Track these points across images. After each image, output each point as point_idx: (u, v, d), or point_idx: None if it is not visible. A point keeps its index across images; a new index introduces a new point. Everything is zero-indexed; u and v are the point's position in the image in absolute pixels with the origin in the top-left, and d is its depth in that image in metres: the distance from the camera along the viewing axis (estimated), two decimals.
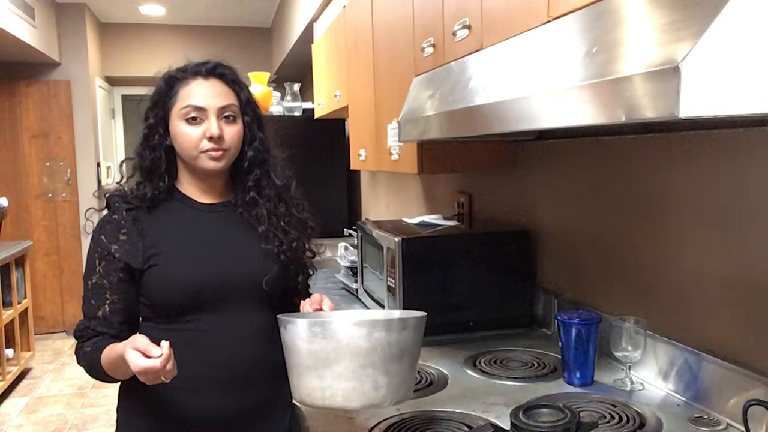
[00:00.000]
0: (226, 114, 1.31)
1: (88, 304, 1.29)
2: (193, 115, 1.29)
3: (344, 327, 1.10)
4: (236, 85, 1.35)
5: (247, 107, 1.36)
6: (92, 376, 1.27)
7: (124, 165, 1.41)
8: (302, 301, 1.34)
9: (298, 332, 1.12)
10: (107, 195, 1.35)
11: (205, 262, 1.30)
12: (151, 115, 1.33)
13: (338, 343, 1.08)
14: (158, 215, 1.32)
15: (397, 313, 1.29)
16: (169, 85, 1.32)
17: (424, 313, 1.19)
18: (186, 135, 1.29)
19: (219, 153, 1.30)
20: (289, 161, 1.45)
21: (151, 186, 1.32)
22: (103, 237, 1.29)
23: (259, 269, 1.32)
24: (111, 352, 1.21)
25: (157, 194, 1.32)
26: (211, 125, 1.28)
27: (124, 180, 1.38)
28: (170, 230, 1.31)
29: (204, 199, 1.37)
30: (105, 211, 1.34)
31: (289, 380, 1.19)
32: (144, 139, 1.34)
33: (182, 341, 1.25)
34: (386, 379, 1.10)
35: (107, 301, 1.27)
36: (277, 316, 1.21)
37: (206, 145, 1.29)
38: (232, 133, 1.32)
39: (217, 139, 1.28)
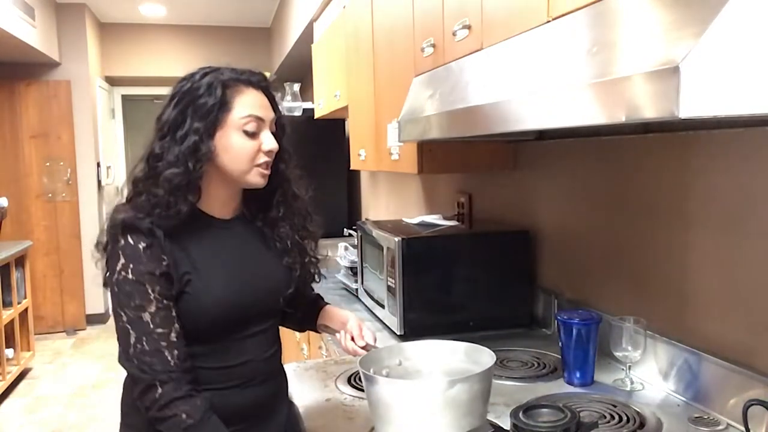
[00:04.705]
0: (273, 128, 1.28)
1: (152, 339, 1.14)
2: (253, 126, 1.22)
3: (446, 384, 1.12)
4: (274, 99, 1.31)
5: (279, 120, 1.32)
6: None
7: (139, 184, 1.22)
8: (339, 333, 1.38)
9: (398, 389, 1.17)
10: (124, 219, 1.17)
11: (234, 284, 1.26)
12: (199, 123, 1.19)
13: (445, 398, 1.11)
14: (182, 235, 1.21)
15: (462, 346, 1.30)
16: (222, 91, 1.20)
17: (492, 354, 1.23)
18: (243, 148, 1.22)
19: (269, 169, 1.26)
20: (306, 172, 1.39)
21: (185, 202, 1.19)
22: (141, 267, 1.16)
23: (281, 286, 1.33)
24: None
25: (187, 210, 1.20)
26: (269, 139, 1.24)
27: (128, 196, 1.24)
28: (195, 251, 1.23)
29: (220, 213, 1.30)
30: (129, 238, 1.16)
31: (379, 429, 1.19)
32: (192, 150, 1.18)
33: (202, 354, 1.24)
34: (477, 420, 1.16)
35: (174, 324, 1.17)
36: (365, 373, 1.18)
37: (262, 159, 1.24)
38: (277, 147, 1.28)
39: (270, 153, 1.25)
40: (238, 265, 1.29)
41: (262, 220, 1.35)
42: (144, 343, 1.15)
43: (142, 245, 1.16)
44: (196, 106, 1.19)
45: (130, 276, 1.15)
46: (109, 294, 1.23)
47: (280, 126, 1.32)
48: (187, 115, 1.19)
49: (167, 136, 1.20)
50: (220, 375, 1.26)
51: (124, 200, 1.25)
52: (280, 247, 1.34)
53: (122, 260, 1.16)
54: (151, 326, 1.15)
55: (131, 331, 1.15)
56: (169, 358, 1.15)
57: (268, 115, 1.26)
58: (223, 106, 1.20)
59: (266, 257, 1.34)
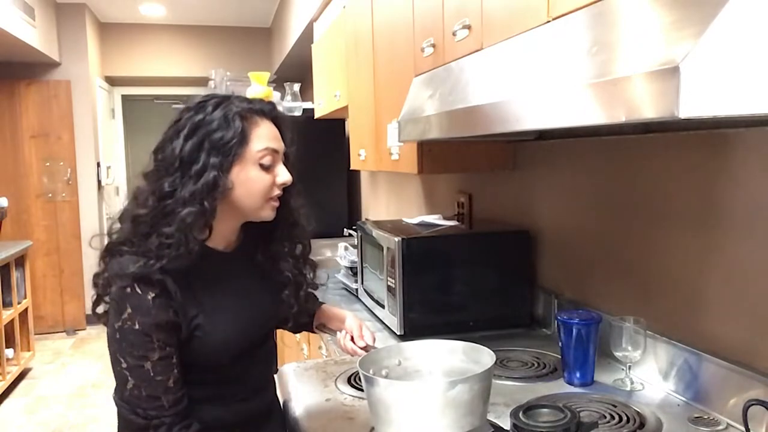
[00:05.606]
0: (284, 159, 1.25)
1: (150, 387, 1.12)
2: (269, 160, 1.19)
3: (447, 385, 1.12)
4: (281, 128, 1.26)
5: (286, 150, 1.28)
6: None
7: (143, 223, 1.15)
8: (340, 334, 1.38)
9: (398, 390, 1.16)
10: (135, 273, 1.11)
11: (241, 321, 1.25)
12: (216, 158, 1.14)
13: (445, 398, 1.11)
14: (188, 271, 1.16)
15: (461, 345, 1.30)
16: (240, 124, 1.16)
17: (492, 353, 1.22)
18: (260, 181, 1.19)
19: (279, 202, 1.24)
20: (306, 172, 1.34)
21: (196, 241, 1.15)
22: (149, 319, 1.12)
23: (282, 314, 1.34)
24: None
25: (198, 249, 1.16)
26: (283, 171, 1.22)
27: (128, 235, 1.16)
28: (200, 289, 1.20)
29: (224, 246, 1.26)
30: (137, 288, 1.12)
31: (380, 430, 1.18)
32: (211, 187, 1.13)
33: (203, 381, 1.23)
34: (478, 420, 1.16)
35: (174, 370, 1.15)
36: (365, 374, 1.17)
37: (275, 192, 1.22)
38: None
39: (283, 185, 1.22)
40: (243, 299, 1.28)
41: (262, 253, 1.32)
42: (142, 389, 1.13)
43: (150, 296, 1.12)
44: (212, 140, 1.14)
45: (136, 327, 1.11)
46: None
47: (286, 156, 1.28)
48: (203, 150, 1.13)
49: (178, 171, 1.14)
50: (222, 392, 1.26)
51: (115, 234, 1.19)
52: (278, 280, 1.32)
53: (129, 310, 1.11)
54: (152, 374, 1.13)
55: (129, 378, 1.13)
56: (165, 403, 1.14)
57: (281, 146, 1.23)
58: (242, 140, 1.16)
59: (266, 289, 1.32)
